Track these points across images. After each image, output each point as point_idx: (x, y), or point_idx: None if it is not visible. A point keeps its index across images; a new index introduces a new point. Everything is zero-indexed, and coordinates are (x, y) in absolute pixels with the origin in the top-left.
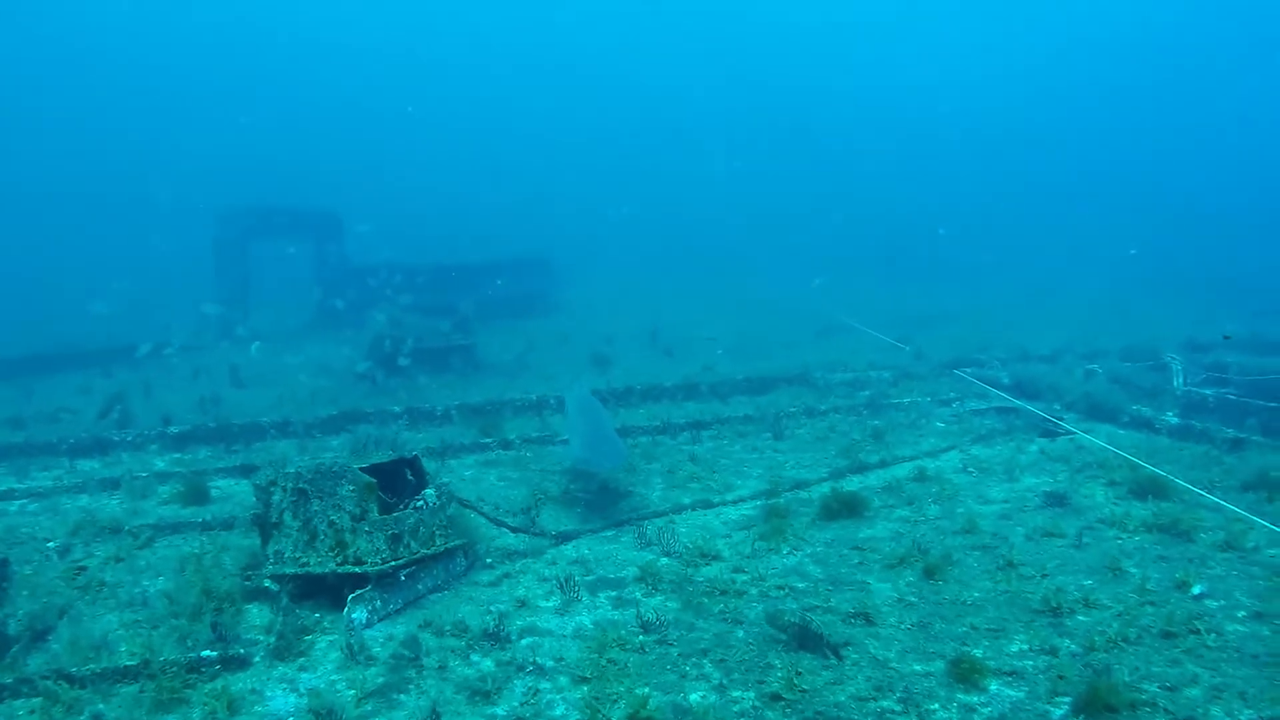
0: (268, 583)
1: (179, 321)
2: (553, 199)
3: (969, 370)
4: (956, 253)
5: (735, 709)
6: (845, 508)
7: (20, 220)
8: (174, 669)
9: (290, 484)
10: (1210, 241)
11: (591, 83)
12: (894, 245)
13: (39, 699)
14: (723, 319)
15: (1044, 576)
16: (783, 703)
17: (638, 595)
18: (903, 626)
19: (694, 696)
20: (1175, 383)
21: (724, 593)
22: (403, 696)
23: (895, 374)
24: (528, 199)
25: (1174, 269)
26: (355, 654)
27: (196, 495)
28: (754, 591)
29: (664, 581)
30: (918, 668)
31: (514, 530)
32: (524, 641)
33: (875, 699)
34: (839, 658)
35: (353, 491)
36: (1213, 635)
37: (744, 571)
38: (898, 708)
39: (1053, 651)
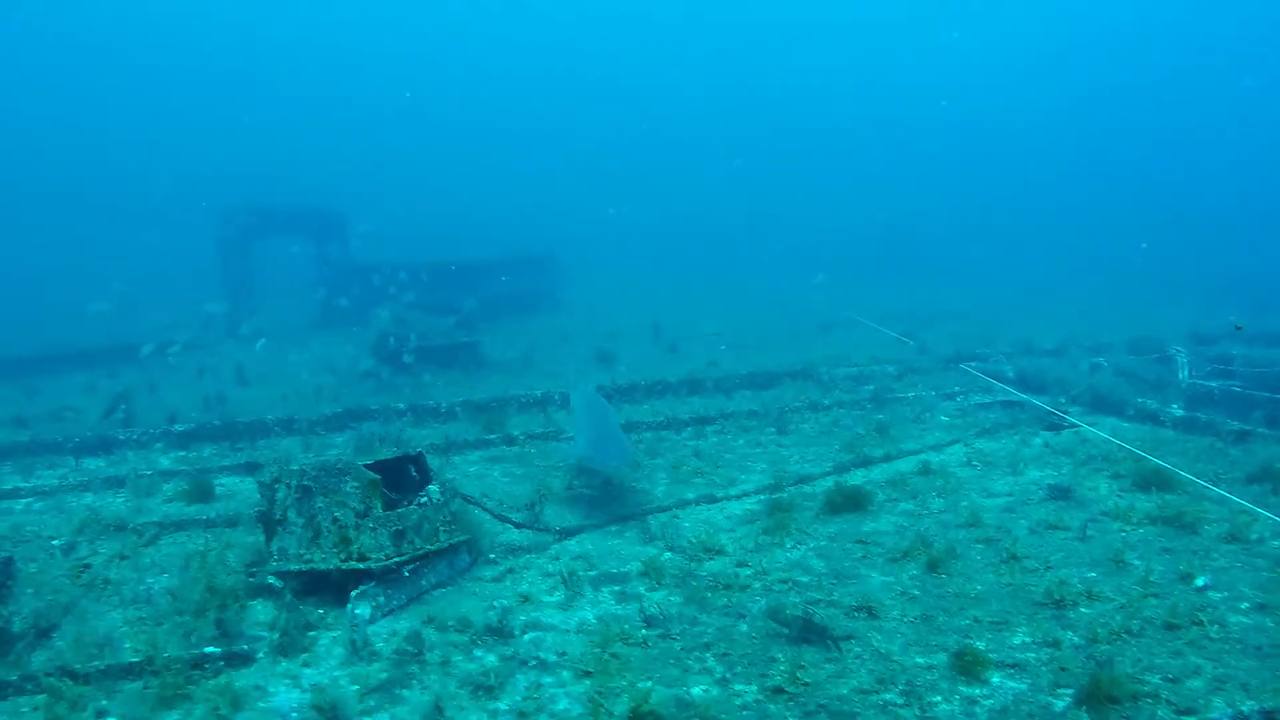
0: (272, 579)
1: (181, 320)
2: (555, 197)
3: (973, 364)
4: (960, 249)
5: (738, 702)
6: (849, 502)
7: (19, 220)
8: (178, 665)
9: (295, 481)
10: (1210, 235)
11: (593, 81)
12: (896, 242)
13: (43, 696)
14: (725, 315)
15: (1047, 569)
16: (785, 696)
17: (641, 590)
18: (906, 619)
19: (697, 690)
20: (1180, 375)
21: (727, 587)
22: (406, 692)
23: (899, 368)
24: (530, 197)
25: (1176, 263)
26: (359, 650)
27: (201, 493)
28: (757, 586)
29: (667, 576)
30: (920, 660)
31: (518, 526)
32: (527, 636)
33: (878, 691)
34: (840, 650)
35: (357, 488)
36: (1216, 627)
37: (747, 566)
38: (900, 700)
39: (1055, 644)
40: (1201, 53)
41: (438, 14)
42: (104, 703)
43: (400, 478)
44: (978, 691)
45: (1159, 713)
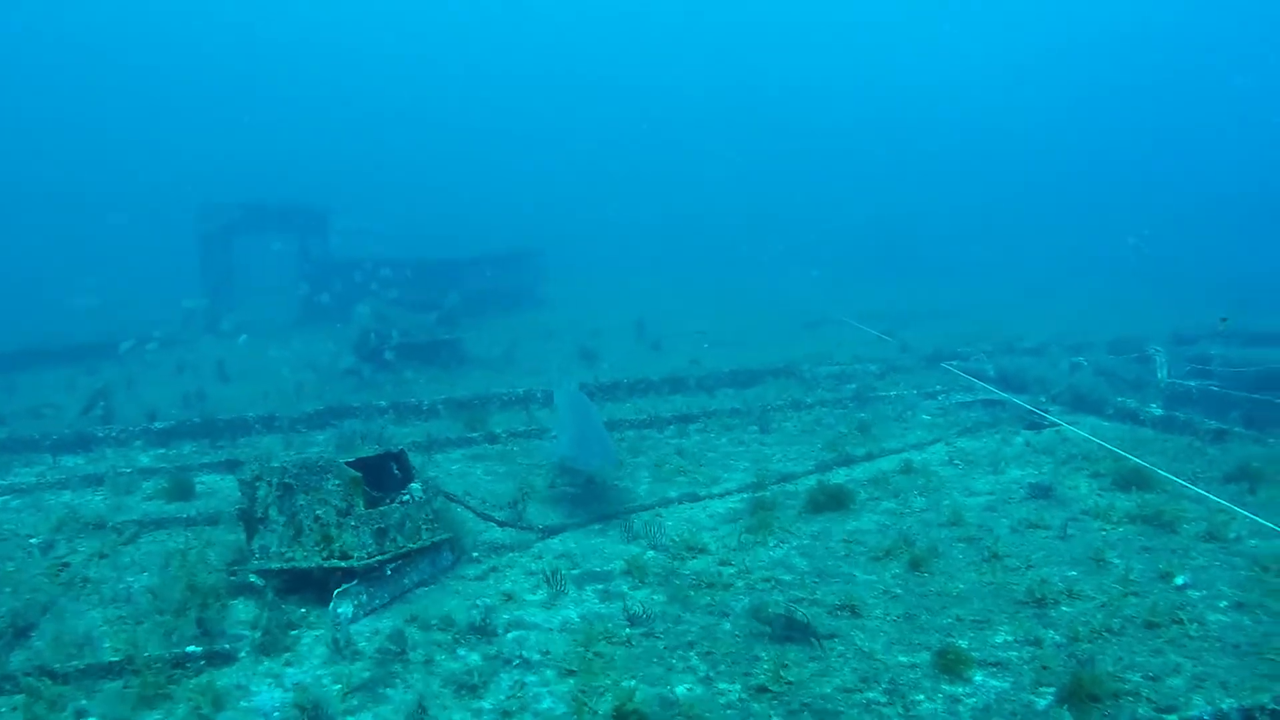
0: (253, 578)
1: (160, 316)
2: (551, 195)
3: (955, 363)
4: (957, 248)
5: (721, 701)
6: (831, 500)
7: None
8: (159, 665)
9: (276, 479)
10: (1200, 235)
11: (590, 79)
12: (893, 241)
13: (21, 696)
14: (711, 313)
15: (1029, 568)
16: (769, 695)
17: (624, 588)
18: (888, 618)
19: (680, 689)
20: (1159, 375)
21: (710, 585)
22: (389, 691)
23: (882, 367)
24: (525, 195)
25: (1166, 263)
26: (341, 649)
27: (181, 491)
28: (740, 584)
29: (650, 575)
30: (903, 659)
31: (500, 524)
32: (510, 635)
33: (861, 690)
34: (822, 646)
35: (338, 486)
36: (1195, 625)
37: (730, 564)
38: (883, 699)
39: (1037, 642)
40: (1195, 52)
41: (434, 11)
42: (84, 702)
43: (382, 475)
44: (961, 690)
45: (1140, 711)
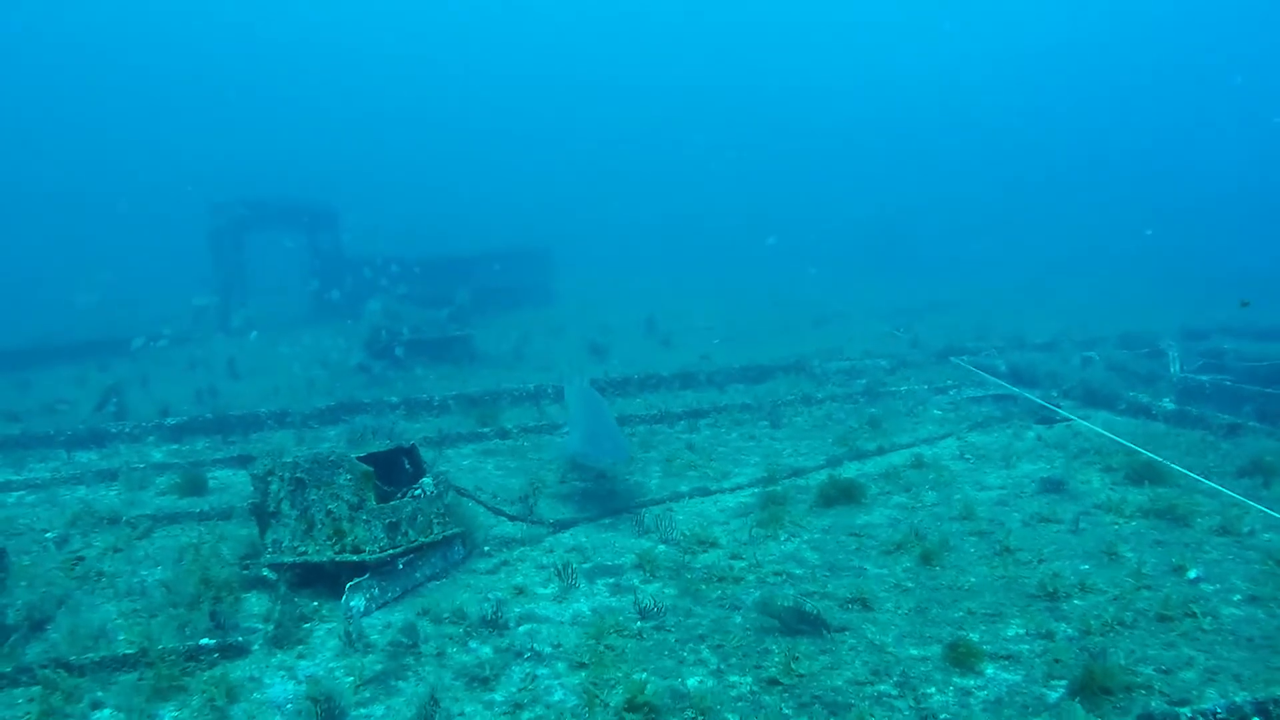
0: (266, 571)
1: (169, 313)
2: (553, 192)
3: (966, 358)
4: (959, 244)
5: (732, 693)
6: (842, 495)
7: (9, 213)
8: (173, 657)
9: (288, 473)
10: (1203, 231)
11: (590, 77)
12: (895, 237)
13: (38, 687)
14: (717, 309)
15: (1040, 561)
16: (780, 687)
17: (635, 582)
18: (900, 611)
19: (691, 681)
20: (1172, 369)
21: (721, 579)
22: (401, 683)
23: (892, 362)
24: (529, 192)
25: (1170, 258)
26: (353, 642)
27: (194, 486)
28: (751, 578)
29: (661, 568)
30: (914, 652)
31: (512, 518)
32: (522, 628)
33: (872, 683)
34: (831, 633)
35: (350, 480)
36: (1208, 619)
37: (741, 558)
38: (894, 691)
39: (1049, 635)
40: (1193, 50)
41: (439, 10)
42: (99, 694)
43: (393, 470)
44: (972, 683)
45: (1152, 703)
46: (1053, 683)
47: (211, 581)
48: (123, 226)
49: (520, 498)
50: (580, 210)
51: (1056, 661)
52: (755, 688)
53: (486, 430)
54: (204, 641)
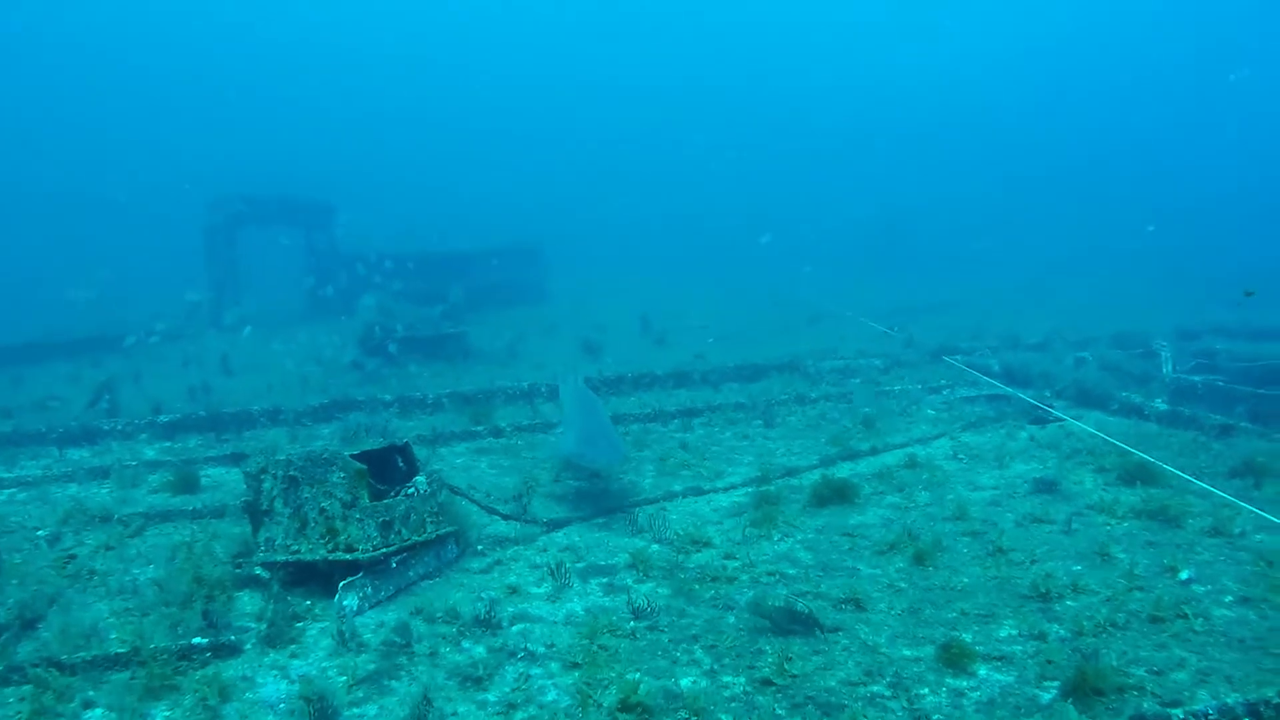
0: (259, 570)
1: (161, 309)
2: (542, 190)
3: (959, 358)
4: (957, 244)
5: (726, 694)
6: (836, 494)
7: (5, 211)
8: (165, 656)
9: (281, 471)
10: (1200, 230)
11: (585, 75)
12: (893, 236)
13: (29, 686)
14: (711, 308)
15: (1033, 562)
16: (773, 688)
17: (629, 582)
18: (893, 612)
19: (685, 682)
20: (1164, 370)
21: (715, 579)
22: (394, 683)
23: (886, 362)
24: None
25: (1166, 257)
26: (347, 641)
27: (187, 484)
28: (745, 578)
29: (655, 568)
30: (908, 653)
31: (505, 517)
32: (515, 628)
33: (865, 683)
34: (824, 632)
35: (343, 478)
36: (1200, 620)
37: (735, 558)
38: (888, 692)
39: (1041, 636)
40: (1192, 47)
41: (434, 8)
42: (91, 693)
43: (387, 469)
44: (965, 683)
45: (1144, 705)
46: (1045, 684)
47: (204, 580)
48: (120, 224)
49: (514, 496)
50: (576, 209)
51: (1049, 662)
52: (749, 688)
53: (480, 428)
54: (196, 640)
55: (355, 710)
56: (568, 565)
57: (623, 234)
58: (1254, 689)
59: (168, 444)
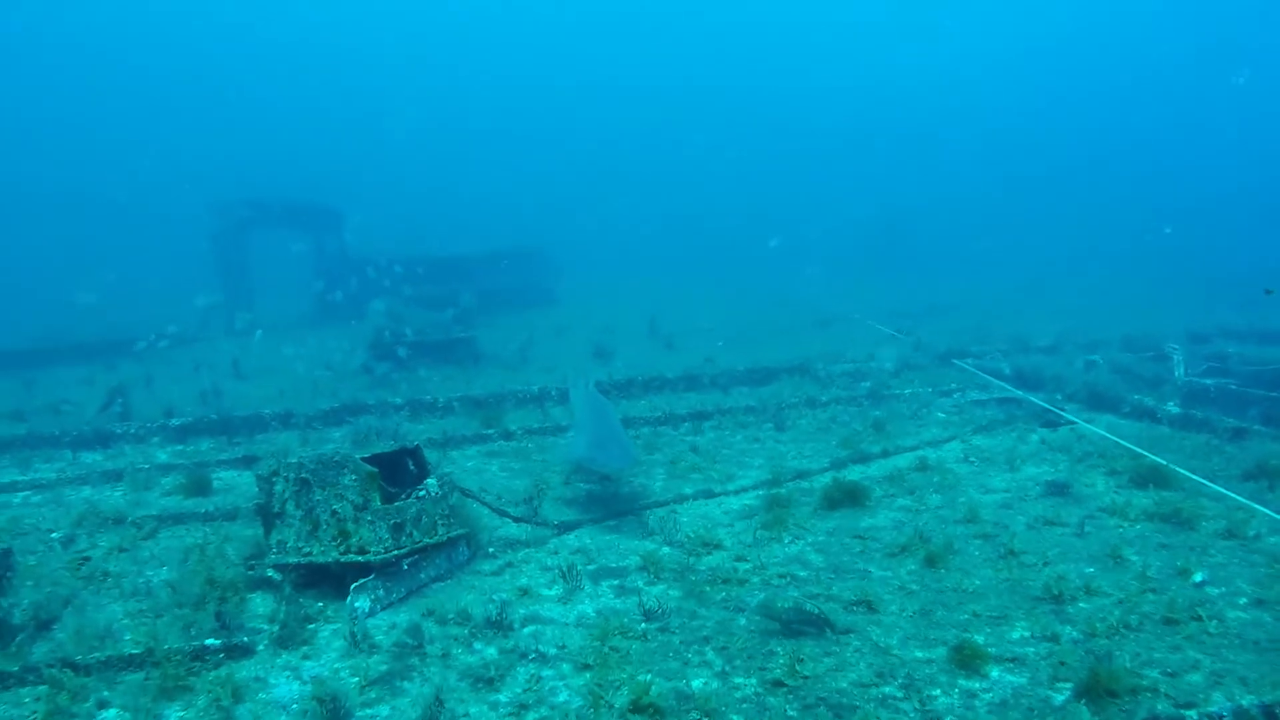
0: (271, 572)
1: (171, 314)
2: (554, 194)
3: (970, 361)
4: (962, 246)
5: (737, 695)
6: (847, 497)
7: (14, 214)
8: (178, 657)
9: (293, 474)
10: (1206, 233)
11: (589, 78)
12: (897, 238)
13: (45, 687)
14: (719, 311)
15: (1045, 564)
16: (785, 689)
17: (640, 584)
18: (905, 614)
19: (696, 683)
20: (1176, 372)
21: (726, 581)
22: (406, 684)
23: (896, 365)
24: (530, 194)
25: (1172, 260)
26: (358, 642)
27: (199, 486)
28: (756, 580)
29: (666, 570)
30: (920, 654)
31: (516, 520)
32: (527, 630)
33: (877, 685)
34: (834, 631)
35: (355, 481)
36: (1214, 622)
37: (746, 560)
38: (900, 694)
39: (1054, 638)
40: (1194, 48)
41: (438, 10)
42: (105, 693)
43: (398, 472)
44: (977, 685)
45: (1158, 707)
46: (1058, 685)
47: (217, 582)
48: (124, 227)
49: (525, 499)
50: (583, 212)
51: (1062, 664)
52: (760, 689)
53: (491, 432)
54: (209, 642)
55: (368, 711)
56: (579, 567)
57: (627, 236)
58: (1269, 691)
59: (180, 447)
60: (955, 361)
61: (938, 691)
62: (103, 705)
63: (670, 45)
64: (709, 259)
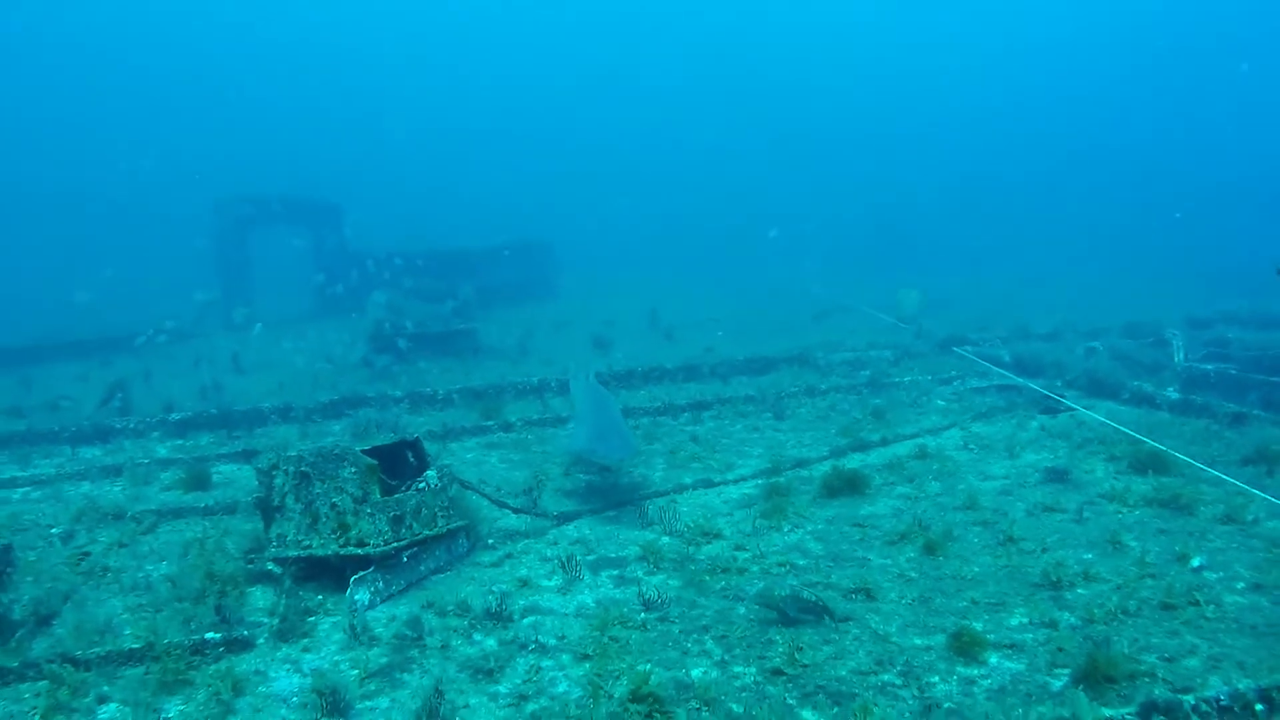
0: (271, 565)
1: (169, 309)
2: (555, 189)
3: (969, 349)
4: (962, 236)
5: (737, 684)
6: (846, 485)
7: (12, 211)
8: (178, 651)
9: (292, 467)
10: (1207, 220)
11: (589, 73)
12: (899, 229)
13: (45, 682)
14: (718, 303)
15: (1044, 551)
16: (784, 677)
17: (639, 574)
18: (904, 601)
19: (696, 672)
20: (1176, 358)
21: (725, 570)
22: (406, 676)
23: (896, 353)
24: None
25: (1173, 248)
26: (358, 635)
27: (199, 481)
28: (755, 569)
29: (665, 560)
30: (918, 641)
31: (516, 511)
32: (526, 620)
33: (876, 672)
34: (833, 617)
35: (354, 474)
36: (1212, 607)
37: (745, 549)
38: (899, 681)
39: (1053, 624)
40: (1199, 38)
41: (438, 7)
42: (105, 688)
43: (398, 464)
44: (976, 672)
45: (1156, 691)
46: (1056, 671)
47: (216, 576)
48: (124, 225)
49: (524, 490)
50: (583, 205)
51: (1060, 650)
52: (759, 678)
53: (490, 424)
54: (209, 635)
55: (368, 703)
56: (578, 558)
57: (628, 230)
58: (1266, 675)
59: (180, 442)
60: (955, 349)
61: (936, 678)
62: (103, 700)
63: (669, 43)
64: (708, 252)
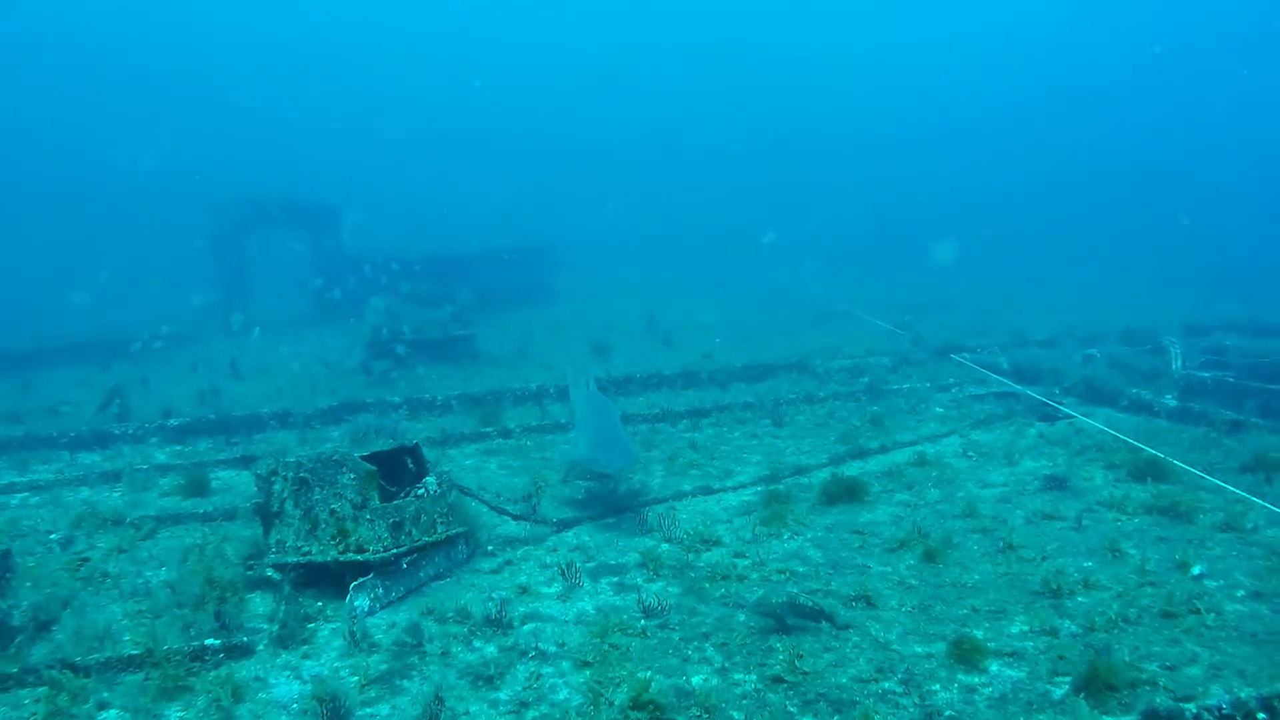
0: (270, 572)
1: (166, 313)
2: (551, 192)
3: (968, 356)
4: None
5: (737, 691)
6: (845, 492)
7: (9, 214)
8: (178, 658)
9: (291, 473)
10: (1205, 227)
11: (586, 75)
12: (898, 233)
13: (45, 688)
14: (716, 308)
15: (1044, 559)
16: (784, 685)
17: (639, 581)
18: (904, 609)
19: (696, 679)
20: (1174, 366)
21: (725, 577)
22: (406, 682)
23: (894, 360)
24: (527, 192)
25: (1169, 254)
26: (358, 641)
27: (197, 487)
28: (755, 576)
29: (665, 567)
30: (919, 649)
31: (515, 518)
32: (526, 627)
33: (877, 680)
34: (833, 623)
35: (354, 480)
36: (1212, 615)
37: (745, 556)
38: (899, 689)
39: (1053, 632)
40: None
41: (437, 8)
42: (105, 694)
43: (397, 470)
44: (976, 680)
45: (1157, 700)
46: (1057, 679)
47: (216, 582)
48: (122, 227)
49: (523, 497)
50: (581, 210)
51: (1061, 658)
52: (760, 685)
53: (489, 430)
54: (209, 642)
55: (368, 710)
56: (578, 565)
57: (626, 234)
58: (1267, 683)
59: (178, 447)
60: (953, 356)
61: (937, 686)
62: (102, 706)
63: (669, 43)
64: (706, 256)
